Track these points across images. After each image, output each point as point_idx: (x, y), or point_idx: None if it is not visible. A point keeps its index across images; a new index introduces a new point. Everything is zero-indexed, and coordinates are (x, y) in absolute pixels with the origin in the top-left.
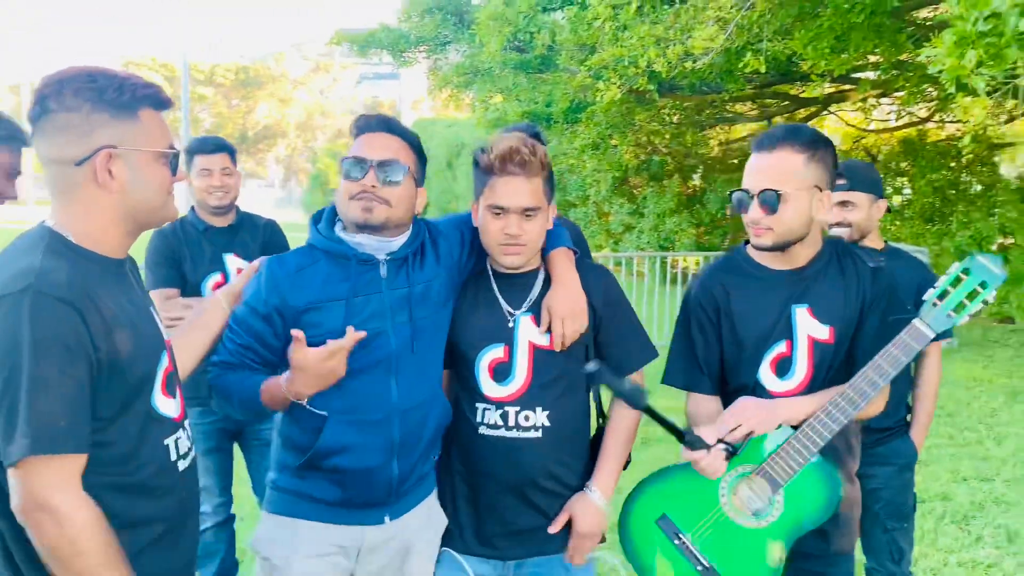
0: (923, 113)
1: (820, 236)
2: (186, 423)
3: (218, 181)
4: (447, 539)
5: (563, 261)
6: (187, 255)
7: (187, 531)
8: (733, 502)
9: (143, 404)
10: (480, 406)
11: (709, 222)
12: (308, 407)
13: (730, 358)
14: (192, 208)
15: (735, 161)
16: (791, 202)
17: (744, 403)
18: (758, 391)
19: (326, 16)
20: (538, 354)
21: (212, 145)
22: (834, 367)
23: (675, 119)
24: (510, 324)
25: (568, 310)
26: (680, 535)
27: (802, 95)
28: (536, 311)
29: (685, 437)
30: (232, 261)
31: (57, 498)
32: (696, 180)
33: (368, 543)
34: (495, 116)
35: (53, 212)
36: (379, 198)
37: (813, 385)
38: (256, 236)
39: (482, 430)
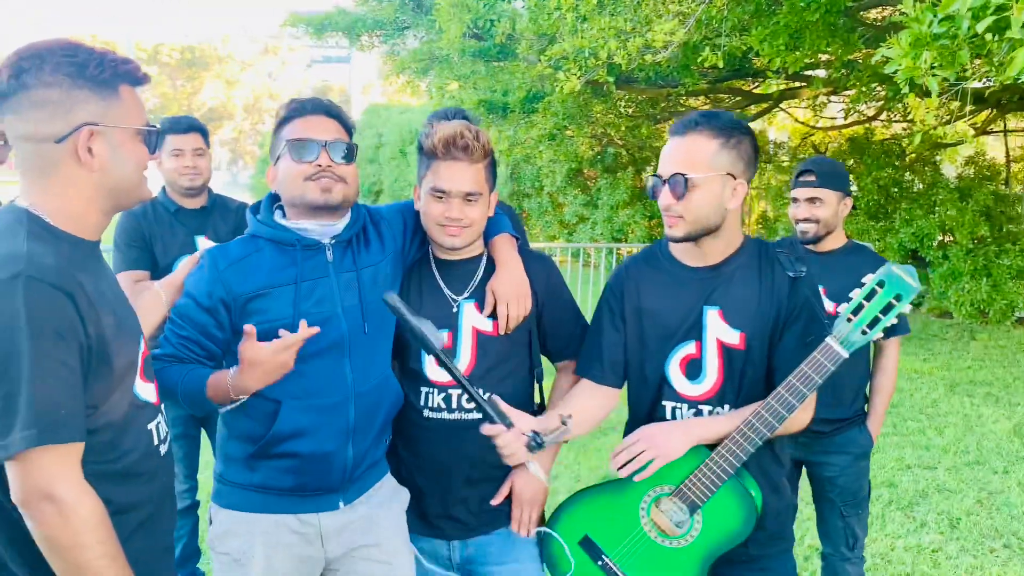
0: (870, 112)
1: (739, 232)
2: (162, 407)
3: (190, 162)
4: None
5: (506, 246)
6: (158, 237)
7: (166, 514)
8: (654, 522)
9: (127, 389)
10: (424, 390)
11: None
12: (260, 394)
13: (632, 351)
14: (163, 189)
15: None
16: (701, 188)
17: (648, 431)
18: (665, 391)
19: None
20: (481, 339)
21: (185, 125)
22: (748, 374)
23: (630, 112)
24: (454, 310)
25: (513, 293)
26: (603, 556)
27: (755, 91)
28: (479, 297)
29: (481, 407)
30: (204, 244)
31: (61, 488)
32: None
33: (325, 528)
34: (451, 104)
35: (25, 192)
36: (336, 176)
37: (725, 390)
38: (228, 219)
39: (426, 413)
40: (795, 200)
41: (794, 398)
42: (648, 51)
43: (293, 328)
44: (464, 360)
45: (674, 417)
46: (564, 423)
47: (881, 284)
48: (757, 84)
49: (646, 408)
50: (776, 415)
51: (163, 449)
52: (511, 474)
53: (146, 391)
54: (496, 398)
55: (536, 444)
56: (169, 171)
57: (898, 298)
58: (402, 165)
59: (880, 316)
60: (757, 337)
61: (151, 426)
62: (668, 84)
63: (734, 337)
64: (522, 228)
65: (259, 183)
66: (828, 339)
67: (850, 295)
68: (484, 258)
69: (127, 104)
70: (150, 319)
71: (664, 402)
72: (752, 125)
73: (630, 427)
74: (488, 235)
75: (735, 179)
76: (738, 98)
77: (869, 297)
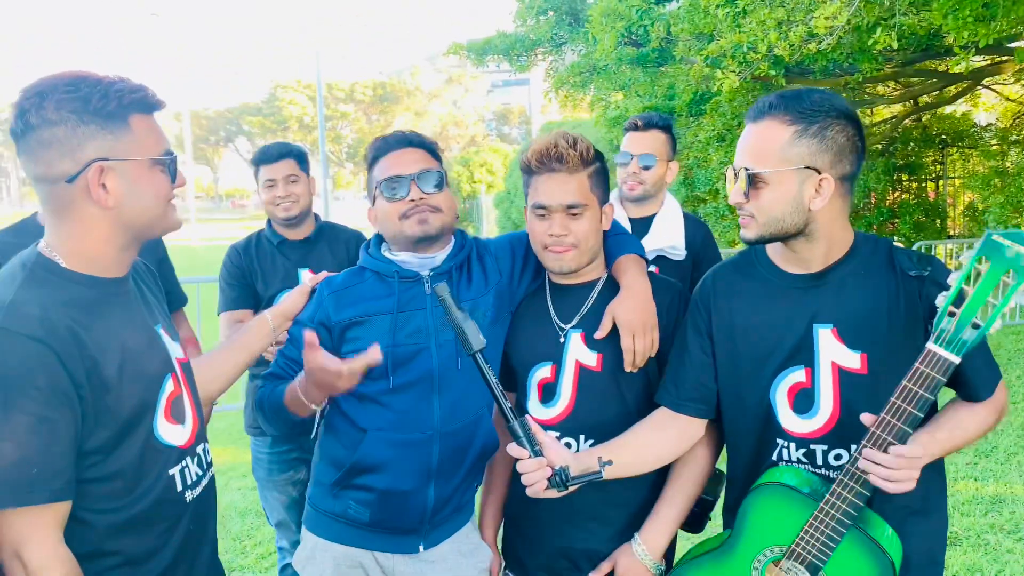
0: None
1: (845, 232)
2: (199, 449)
3: (283, 191)
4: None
5: (632, 268)
6: (258, 271)
7: (200, 563)
8: None
9: (141, 434)
10: None
11: (850, 212)
12: (350, 420)
13: (725, 377)
14: (269, 221)
15: (878, 146)
16: (772, 185)
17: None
18: (772, 429)
19: (459, 28)
20: (584, 375)
21: (274, 153)
22: (872, 402)
23: None
24: (561, 340)
25: (639, 322)
26: None
27: (955, 70)
28: (587, 327)
29: (509, 424)
30: (306, 277)
31: (29, 552)
32: None
33: (399, 571)
34: (616, 114)
35: (47, 232)
36: (430, 207)
37: (843, 425)
38: (337, 249)
39: None
40: None
41: (903, 422)
42: (812, 39)
43: (386, 358)
44: (564, 400)
45: (781, 457)
46: (601, 466)
47: (983, 260)
48: (958, 63)
49: (752, 445)
50: (886, 448)
51: (190, 495)
52: (614, 553)
53: (171, 433)
54: (530, 420)
55: (559, 481)
56: (265, 204)
57: (1012, 274)
58: None
59: (993, 301)
60: (883, 358)
61: (173, 471)
62: (846, 72)
63: (854, 360)
64: (712, 241)
65: None
66: (929, 344)
67: (948, 281)
68: (601, 282)
69: (139, 134)
70: (253, 346)
71: (775, 439)
72: (952, 108)
73: (731, 469)
74: (613, 256)
75: (820, 174)
76: (931, 80)
77: (971, 280)
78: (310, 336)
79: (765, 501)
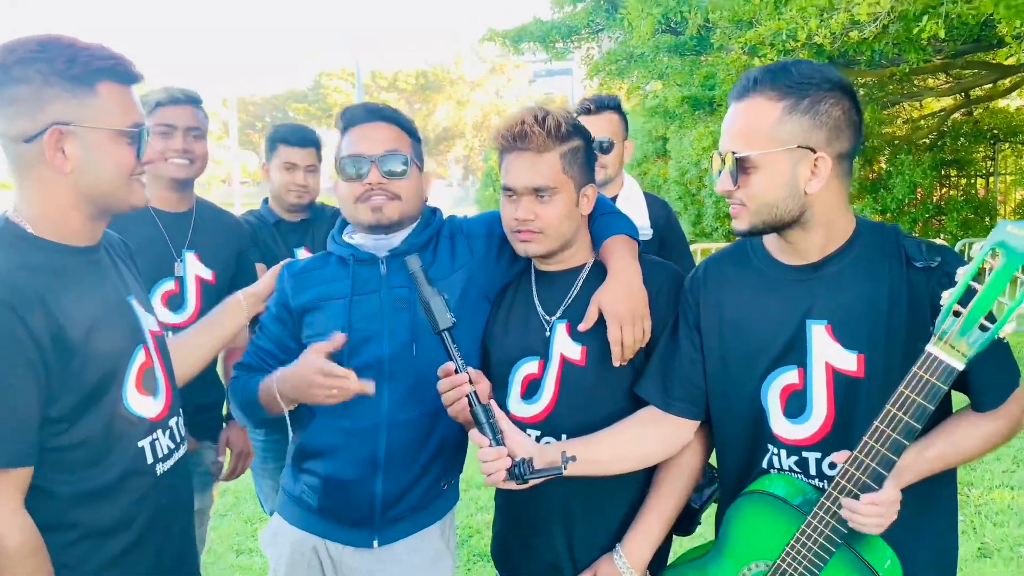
0: None
1: (845, 220)
2: (172, 422)
3: (302, 179)
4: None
5: (620, 251)
6: (260, 246)
7: (172, 538)
8: None
9: (110, 403)
10: None
11: (895, 208)
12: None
13: (713, 377)
14: (265, 201)
15: (926, 140)
16: (762, 168)
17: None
18: (763, 434)
19: (504, 17)
20: (567, 370)
21: (300, 137)
22: (867, 409)
23: None
24: (547, 333)
25: (628, 311)
26: None
27: (1007, 62)
28: (572, 317)
29: (472, 409)
30: (303, 256)
31: None
32: (882, 162)
33: (345, 566)
34: (655, 103)
35: (14, 195)
36: (388, 193)
37: (837, 433)
38: (323, 227)
39: None
40: None
41: (899, 433)
42: (854, 27)
43: (344, 344)
44: (545, 396)
45: (772, 465)
46: (564, 462)
47: (995, 253)
48: (1009, 55)
49: (741, 451)
50: (880, 459)
51: (162, 468)
52: (595, 563)
53: (142, 405)
54: (495, 408)
55: (517, 474)
56: (277, 185)
57: None
58: None
59: (1004, 301)
60: (883, 360)
61: (143, 443)
62: (892, 63)
63: (849, 361)
64: (676, 222)
65: (484, 196)
66: (929, 346)
67: (956, 276)
68: (586, 269)
69: (105, 103)
70: (227, 326)
71: (766, 444)
72: (1005, 102)
73: (721, 477)
74: (601, 239)
75: (814, 152)
76: (983, 72)
77: (981, 277)
78: (321, 347)
79: (750, 511)
